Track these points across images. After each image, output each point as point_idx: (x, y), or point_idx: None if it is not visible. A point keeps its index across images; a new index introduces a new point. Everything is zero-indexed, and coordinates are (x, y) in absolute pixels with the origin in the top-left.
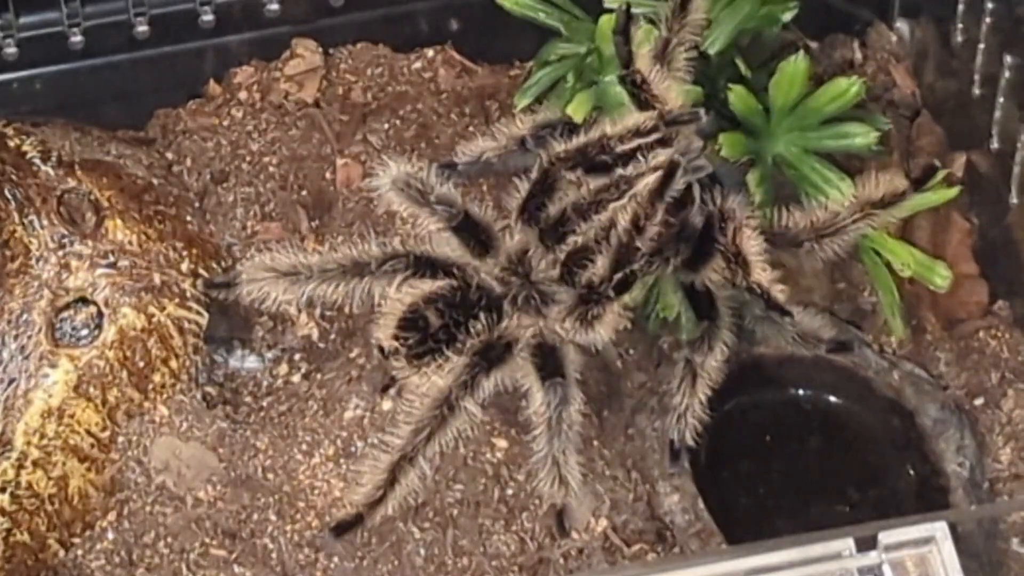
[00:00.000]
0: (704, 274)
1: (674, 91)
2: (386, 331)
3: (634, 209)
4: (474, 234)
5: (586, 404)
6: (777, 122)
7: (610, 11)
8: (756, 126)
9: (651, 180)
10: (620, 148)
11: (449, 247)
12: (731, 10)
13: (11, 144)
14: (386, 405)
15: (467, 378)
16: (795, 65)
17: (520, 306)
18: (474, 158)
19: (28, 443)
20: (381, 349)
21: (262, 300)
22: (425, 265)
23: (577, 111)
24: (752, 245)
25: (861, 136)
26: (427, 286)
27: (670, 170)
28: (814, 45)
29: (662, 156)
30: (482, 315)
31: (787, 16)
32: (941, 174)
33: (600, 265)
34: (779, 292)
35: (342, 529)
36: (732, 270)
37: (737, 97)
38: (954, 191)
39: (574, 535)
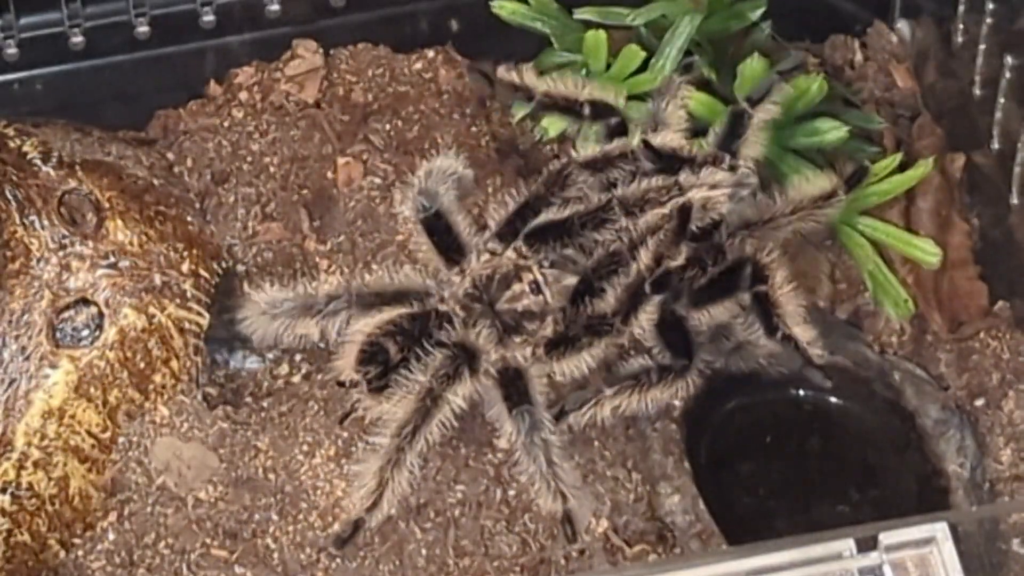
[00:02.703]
0: (707, 312)
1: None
2: (347, 363)
3: (655, 248)
4: (441, 236)
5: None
6: None
7: (594, 25)
8: None
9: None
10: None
11: (419, 246)
12: (678, 29)
13: (12, 145)
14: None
15: (448, 370)
16: (752, 67)
17: (483, 334)
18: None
19: (29, 444)
20: (341, 383)
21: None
22: (373, 301)
23: (552, 126)
24: (793, 299)
25: (832, 132)
26: (386, 315)
27: (684, 213)
28: (813, 60)
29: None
30: (443, 344)
31: (756, 14)
32: (893, 162)
33: (611, 295)
34: (818, 355)
35: (342, 540)
36: (766, 318)
37: (698, 104)
38: (929, 163)
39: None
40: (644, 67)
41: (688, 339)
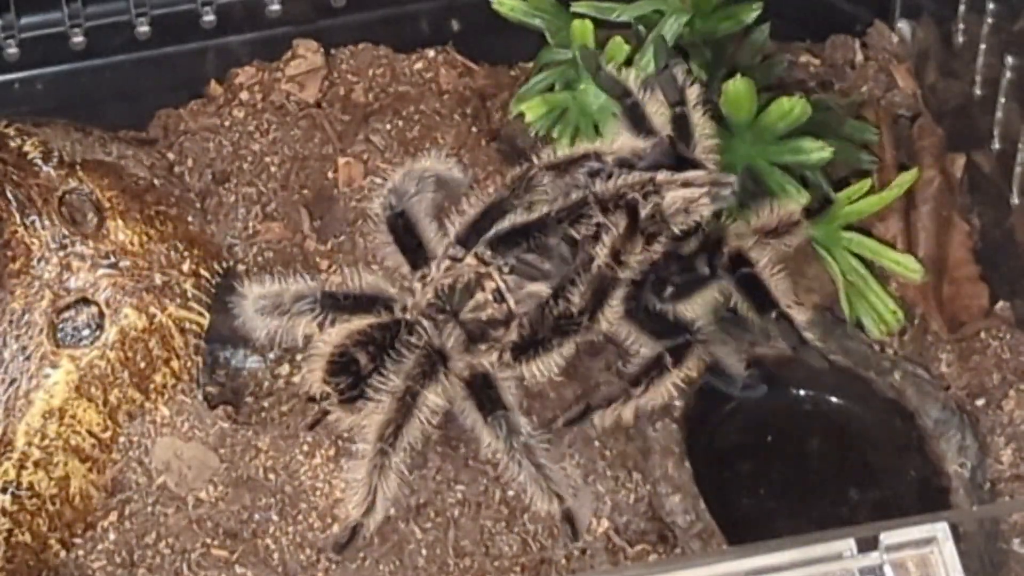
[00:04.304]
0: (687, 305)
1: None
2: (315, 375)
3: (611, 243)
4: (404, 236)
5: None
6: (740, 136)
7: (582, 16)
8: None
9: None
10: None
11: (382, 246)
12: (663, 28)
13: (12, 144)
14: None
15: (424, 368)
16: (735, 87)
17: (449, 343)
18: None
19: (29, 443)
20: (312, 398)
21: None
22: (341, 303)
23: (532, 111)
24: (782, 281)
25: (816, 152)
26: (354, 325)
27: (632, 208)
28: (814, 60)
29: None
30: (412, 351)
31: (751, 16)
32: (864, 187)
33: (576, 295)
34: (812, 338)
35: (341, 546)
36: (756, 298)
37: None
38: (908, 178)
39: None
40: (632, 62)
41: (672, 320)
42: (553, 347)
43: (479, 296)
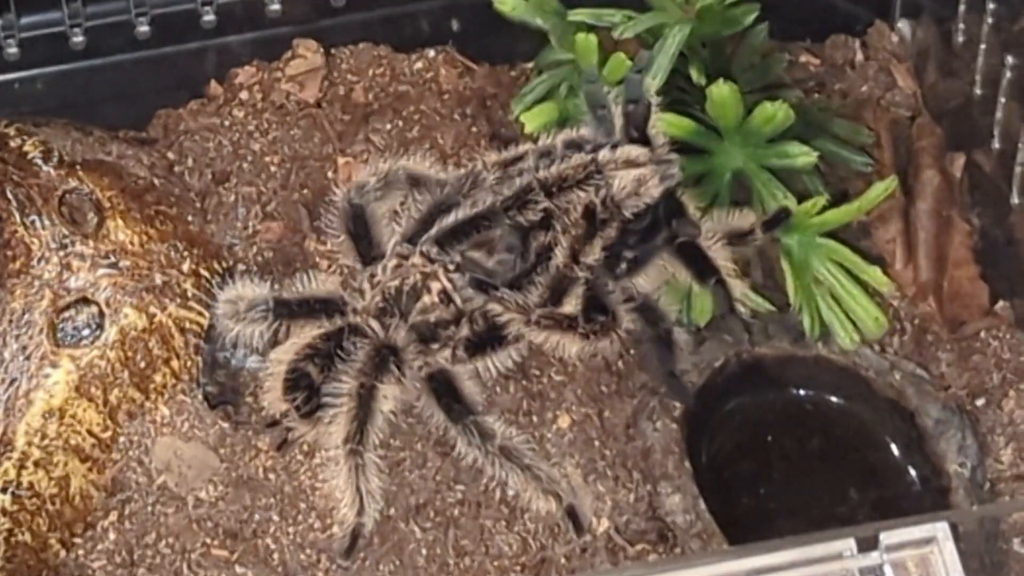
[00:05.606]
0: (633, 282)
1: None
2: (275, 396)
3: (571, 241)
4: (359, 233)
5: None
6: (730, 140)
7: (587, 27)
8: (705, 144)
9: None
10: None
11: (339, 241)
12: (667, 41)
13: (13, 144)
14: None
15: (375, 362)
16: (719, 91)
17: (401, 343)
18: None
19: (29, 443)
20: (272, 421)
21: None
22: (294, 309)
23: (532, 120)
24: (722, 251)
25: (802, 156)
26: (301, 339)
27: (590, 214)
28: (814, 60)
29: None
30: (361, 351)
31: (749, 19)
32: (818, 203)
33: (535, 291)
34: (742, 309)
35: (347, 552)
36: (695, 265)
37: (670, 124)
38: (886, 184)
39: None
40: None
41: (602, 299)
42: (509, 343)
43: (426, 299)
